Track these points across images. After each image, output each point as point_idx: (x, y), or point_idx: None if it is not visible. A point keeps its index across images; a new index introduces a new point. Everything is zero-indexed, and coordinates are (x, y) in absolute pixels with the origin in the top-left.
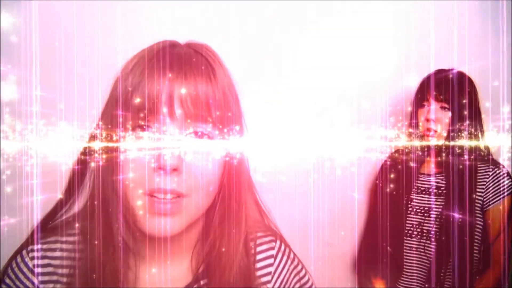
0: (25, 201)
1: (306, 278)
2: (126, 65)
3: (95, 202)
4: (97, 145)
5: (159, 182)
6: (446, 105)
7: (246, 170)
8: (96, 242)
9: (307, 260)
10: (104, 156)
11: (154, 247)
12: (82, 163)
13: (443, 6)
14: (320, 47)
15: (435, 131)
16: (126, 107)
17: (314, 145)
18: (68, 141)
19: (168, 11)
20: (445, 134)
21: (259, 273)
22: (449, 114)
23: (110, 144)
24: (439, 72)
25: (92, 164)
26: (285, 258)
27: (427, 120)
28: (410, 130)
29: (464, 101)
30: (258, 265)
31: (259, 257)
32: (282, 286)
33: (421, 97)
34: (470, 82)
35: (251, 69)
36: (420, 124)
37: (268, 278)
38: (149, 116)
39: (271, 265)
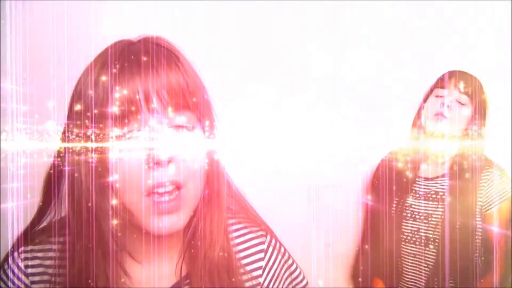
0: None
1: (297, 272)
2: (88, 70)
3: (83, 205)
4: (80, 147)
5: (157, 176)
6: (464, 100)
7: (221, 161)
8: (85, 245)
9: (308, 261)
10: (93, 159)
11: (149, 245)
12: (68, 165)
13: (450, 5)
14: (322, 47)
15: (445, 117)
16: (105, 113)
17: (315, 145)
18: (57, 141)
19: (167, 11)
20: (453, 129)
21: (250, 267)
22: (463, 110)
23: (90, 145)
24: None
25: (75, 167)
26: (275, 252)
27: (443, 104)
28: (422, 123)
29: (479, 101)
30: (249, 259)
31: (250, 251)
32: (273, 280)
33: (440, 85)
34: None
35: (251, 69)
36: (430, 112)
37: (259, 272)
38: (131, 117)
39: (262, 259)
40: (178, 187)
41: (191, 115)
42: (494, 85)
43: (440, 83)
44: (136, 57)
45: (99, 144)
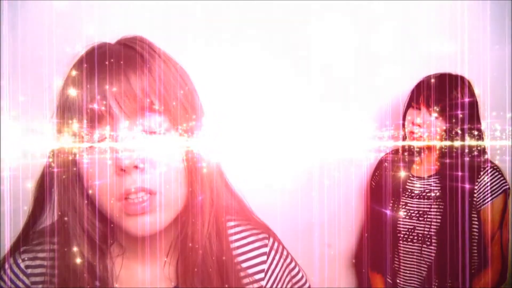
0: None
1: (299, 275)
2: (67, 72)
3: (66, 210)
4: (55, 153)
5: (126, 183)
6: (435, 114)
7: (210, 160)
8: (74, 248)
9: (309, 261)
10: (61, 165)
11: (136, 247)
12: (46, 173)
13: (450, 4)
14: (324, 47)
15: (420, 136)
16: (70, 116)
17: (316, 146)
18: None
19: (161, 9)
20: (430, 139)
21: (252, 270)
22: (436, 121)
23: (66, 150)
24: (436, 77)
25: (51, 173)
26: (278, 255)
27: (413, 123)
28: (402, 131)
29: (457, 110)
30: (251, 262)
31: (252, 254)
32: (275, 283)
33: (412, 100)
34: (469, 87)
35: (252, 69)
36: (406, 124)
37: (261, 275)
38: (95, 123)
39: (264, 262)
40: (150, 193)
41: (163, 118)
42: (493, 85)
43: (414, 95)
44: (100, 61)
45: (66, 146)
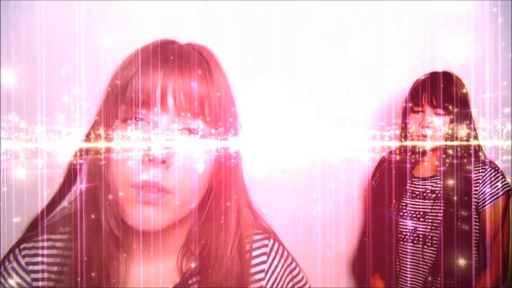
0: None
1: (300, 276)
2: (125, 59)
3: (86, 198)
4: (89, 141)
5: (146, 174)
6: (441, 111)
7: (240, 170)
8: (86, 239)
9: (310, 262)
10: (95, 151)
11: (142, 243)
12: (77, 159)
13: (448, 4)
14: (325, 47)
15: (430, 137)
16: (121, 99)
17: (318, 145)
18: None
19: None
20: (438, 138)
21: (252, 270)
22: (443, 120)
23: (98, 143)
24: (431, 75)
25: (84, 159)
26: (278, 256)
27: (422, 126)
28: (403, 132)
29: (459, 106)
30: (252, 262)
31: (252, 254)
32: (275, 283)
33: (414, 101)
34: (462, 83)
35: (255, 69)
36: (412, 129)
37: (262, 275)
38: (142, 108)
39: (264, 262)
40: (163, 191)
41: (205, 124)
42: (493, 84)
43: (415, 96)
44: (166, 56)
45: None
